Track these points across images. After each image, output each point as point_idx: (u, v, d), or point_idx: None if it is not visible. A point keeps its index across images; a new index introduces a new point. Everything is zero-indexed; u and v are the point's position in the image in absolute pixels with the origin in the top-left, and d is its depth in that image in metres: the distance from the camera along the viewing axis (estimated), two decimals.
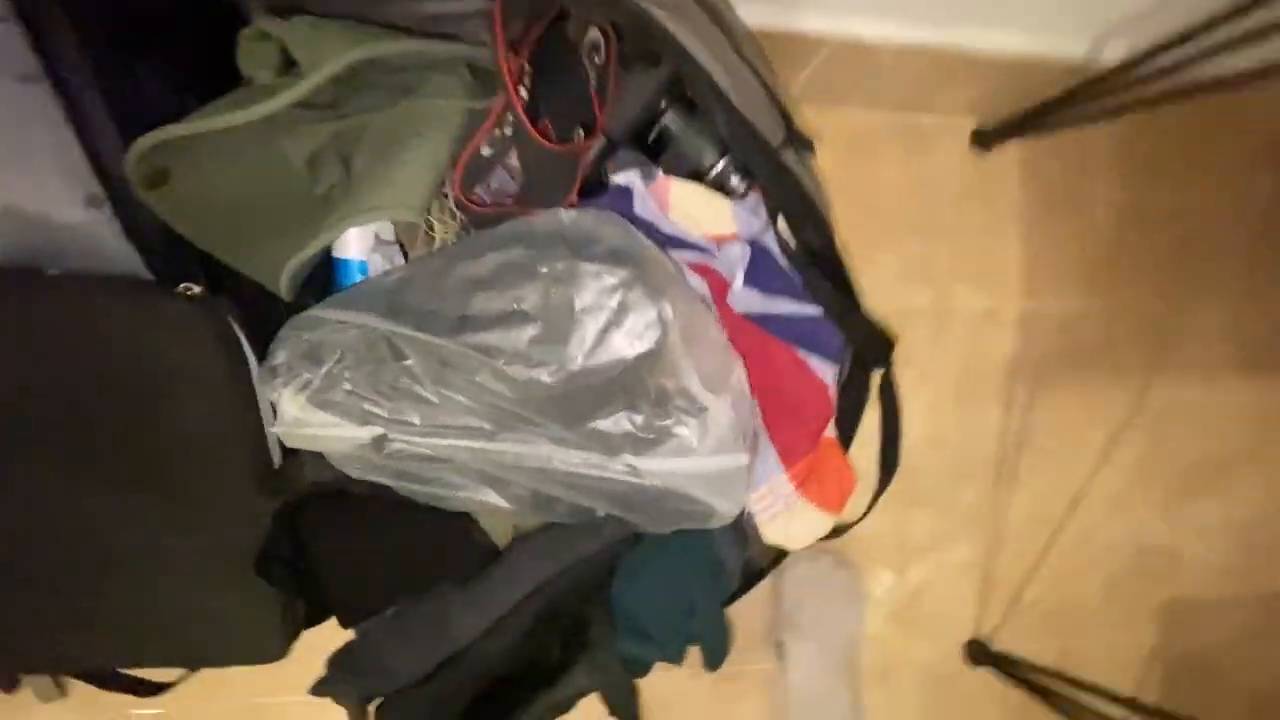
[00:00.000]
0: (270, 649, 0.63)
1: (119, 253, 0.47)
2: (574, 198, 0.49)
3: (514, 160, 0.48)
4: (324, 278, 0.52)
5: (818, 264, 0.47)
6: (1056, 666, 0.85)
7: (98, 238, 0.45)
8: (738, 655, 0.90)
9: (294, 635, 0.63)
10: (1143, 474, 0.98)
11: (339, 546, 0.55)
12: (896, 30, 0.75)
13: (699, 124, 0.53)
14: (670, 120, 0.53)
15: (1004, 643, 0.91)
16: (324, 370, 0.47)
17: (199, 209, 0.46)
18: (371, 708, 0.53)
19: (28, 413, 0.49)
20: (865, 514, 0.58)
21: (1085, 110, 0.81)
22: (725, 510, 0.48)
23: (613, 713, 0.55)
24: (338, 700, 0.52)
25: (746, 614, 0.65)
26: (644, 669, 0.55)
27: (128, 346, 0.47)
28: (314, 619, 0.66)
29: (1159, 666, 0.96)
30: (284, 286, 0.46)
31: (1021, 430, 0.94)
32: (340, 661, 0.54)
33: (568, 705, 0.56)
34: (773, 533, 0.53)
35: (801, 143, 0.46)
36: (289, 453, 0.54)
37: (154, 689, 0.68)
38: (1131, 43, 0.78)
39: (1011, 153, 0.95)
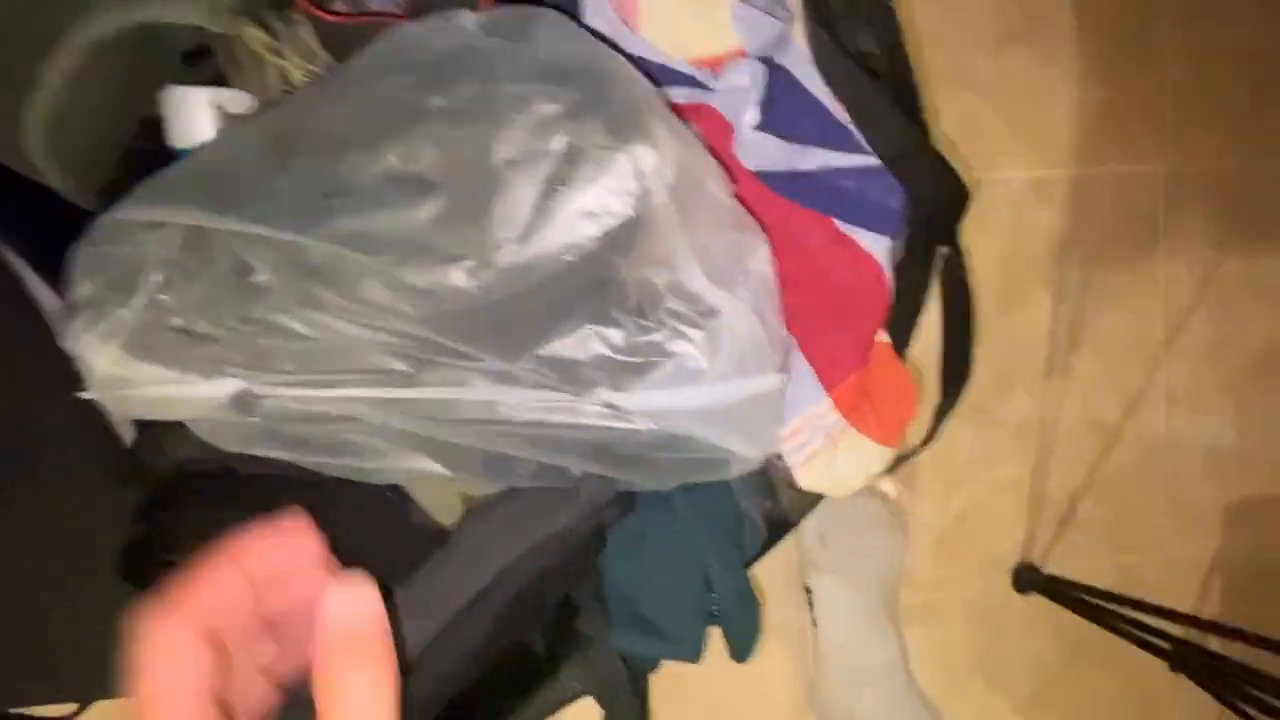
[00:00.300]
0: None
1: None
2: (489, 1, 0.32)
3: None
4: None
5: (873, 74, 0.31)
6: (1114, 586, 0.74)
7: None
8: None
9: None
10: (1210, 363, 0.85)
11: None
12: None
13: None
14: None
15: (1056, 565, 0.81)
16: (139, 301, 0.31)
17: None
18: None
19: None
20: (928, 440, 0.44)
21: None
22: (749, 454, 0.34)
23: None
24: None
25: (763, 559, 0.53)
26: (649, 667, 0.42)
27: None
28: None
29: (1221, 577, 0.87)
30: (38, 152, 0.29)
31: (1074, 322, 0.80)
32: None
33: (555, 710, 0.44)
34: (811, 476, 0.40)
35: None
36: (145, 426, 0.41)
37: None
38: None
39: None
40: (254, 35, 0.34)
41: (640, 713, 0.41)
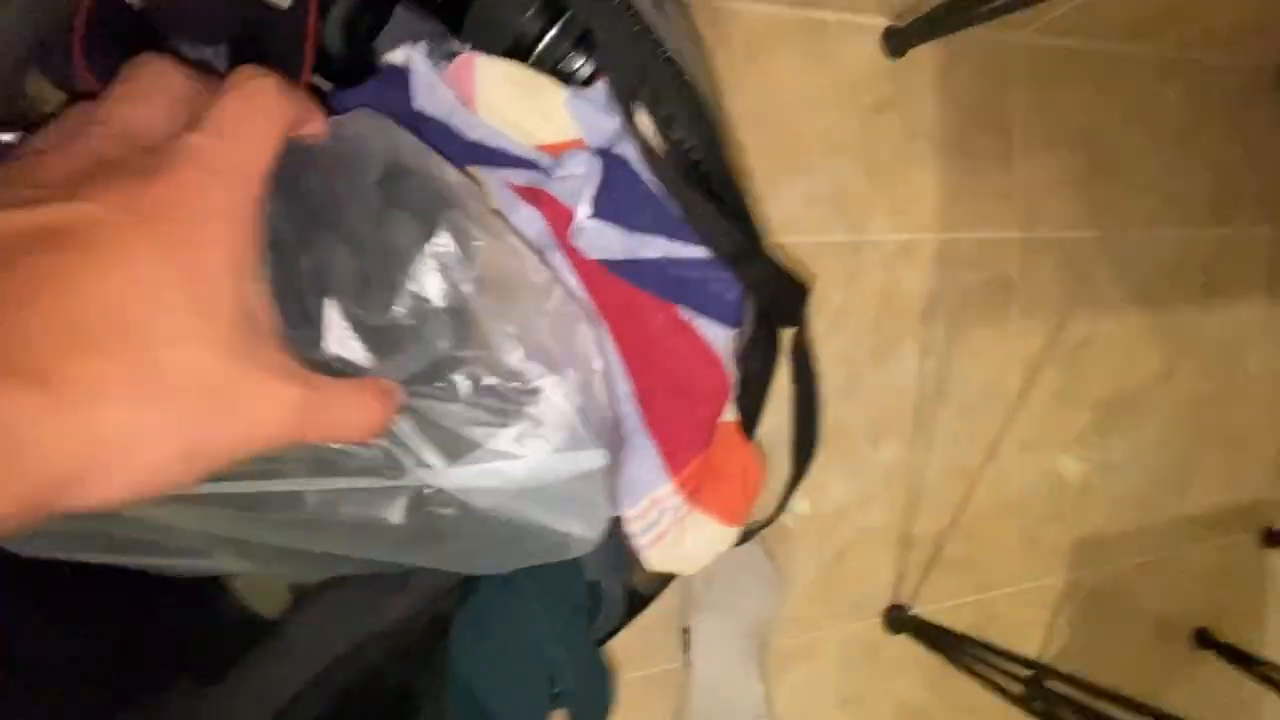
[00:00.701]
0: None
1: None
2: (308, 80, 0.30)
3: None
4: None
5: (699, 181, 0.31)
6: (975, 623, 0.79)
7: None
8: (637, 658, 0.79)
9: None
10: (1057, 412, 0.93)
11: (11, 653, 0.36)
12: None
13: None
14: None
15: (924, 603, 0.85)
16: None
17: None
18: None
19: None
20: (778, 512, 0.45)
21: (1003, 3, 0.69)
22: (584, 534, 0.33)
23: None
24: None
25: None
26: None
27: None
28: None
29: (1069, 606, 0.94)
30: None
31: (940, 375, 0.86)
32: None
33: None
34: (660, 557, 0.40)
35: None
36: None
37: None
38: None
39: (925, 58, 0.82)
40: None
41: None
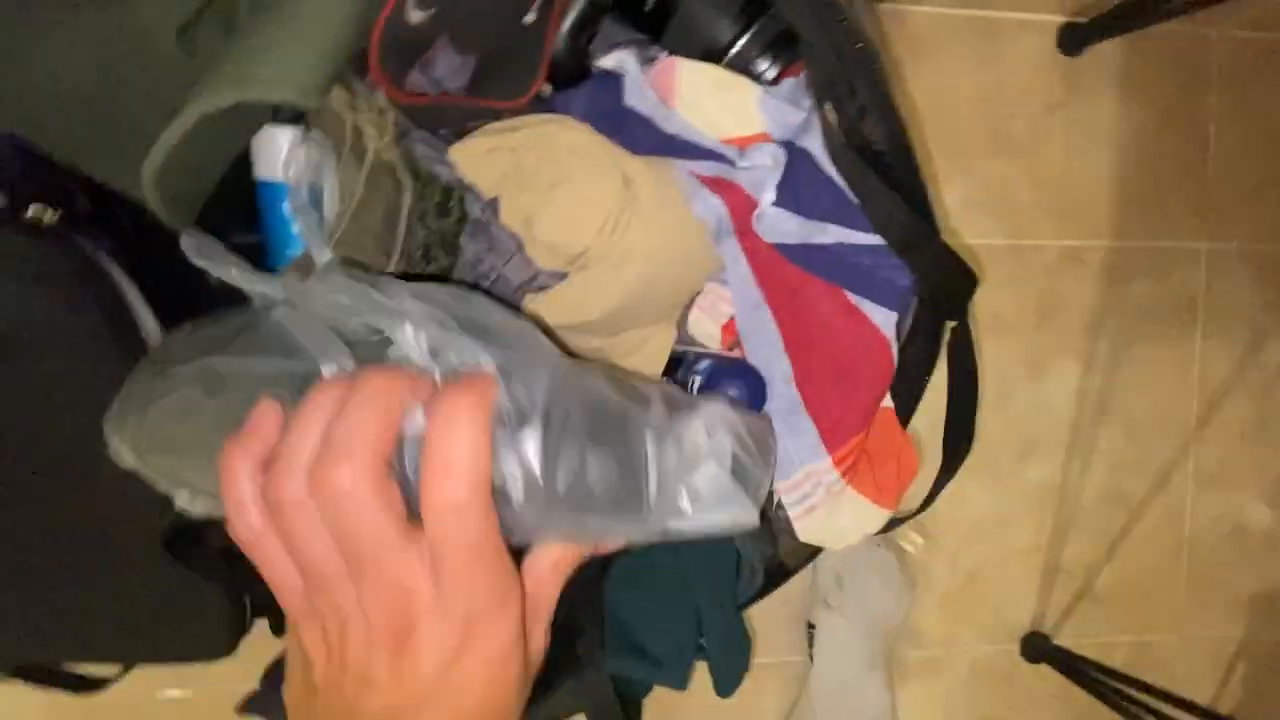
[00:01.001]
0: (216, 644, 0.55)
1: None
2: (541, 84, 0.36)
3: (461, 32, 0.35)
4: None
5: (882, 169, 0.33)
6: (1129, 664, 0.73)
7: None
8: (759, 645, 0.80)
9: (239, 631, 0.54)
10: (1245, 446, 0.83)
11: None
12: None
13: None
14: None
15: (1069, 637, 0.80)
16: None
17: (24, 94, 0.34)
18: None
19: None
20: (926, 504, 0.46)
21: None
22: (745, 520, 0.34)
23: None
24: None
25: (774, 595, 0.55)
26: (641, 692, 0.44)
27: None
28: (267, 608, 0.57)
29: (1245, 666, 0.84)
30: (150, 197, 0.34)
31: (1103, 393, 0.80)
32: (276, 675, 0.44)
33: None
34: (810, 529, 0.42)
35: None
36: None
37: (91, 684, 0.60)
38: None
39: (1106, 55, 0.77)
40: (336, 94, 0.38)
41: None
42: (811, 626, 0.73)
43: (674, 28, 0.40)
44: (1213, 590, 0.84)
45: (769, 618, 0.76)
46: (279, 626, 0.44)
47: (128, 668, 0.58)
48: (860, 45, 0.31)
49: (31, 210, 0.36)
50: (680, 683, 0.42)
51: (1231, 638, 0.85)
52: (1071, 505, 0.81)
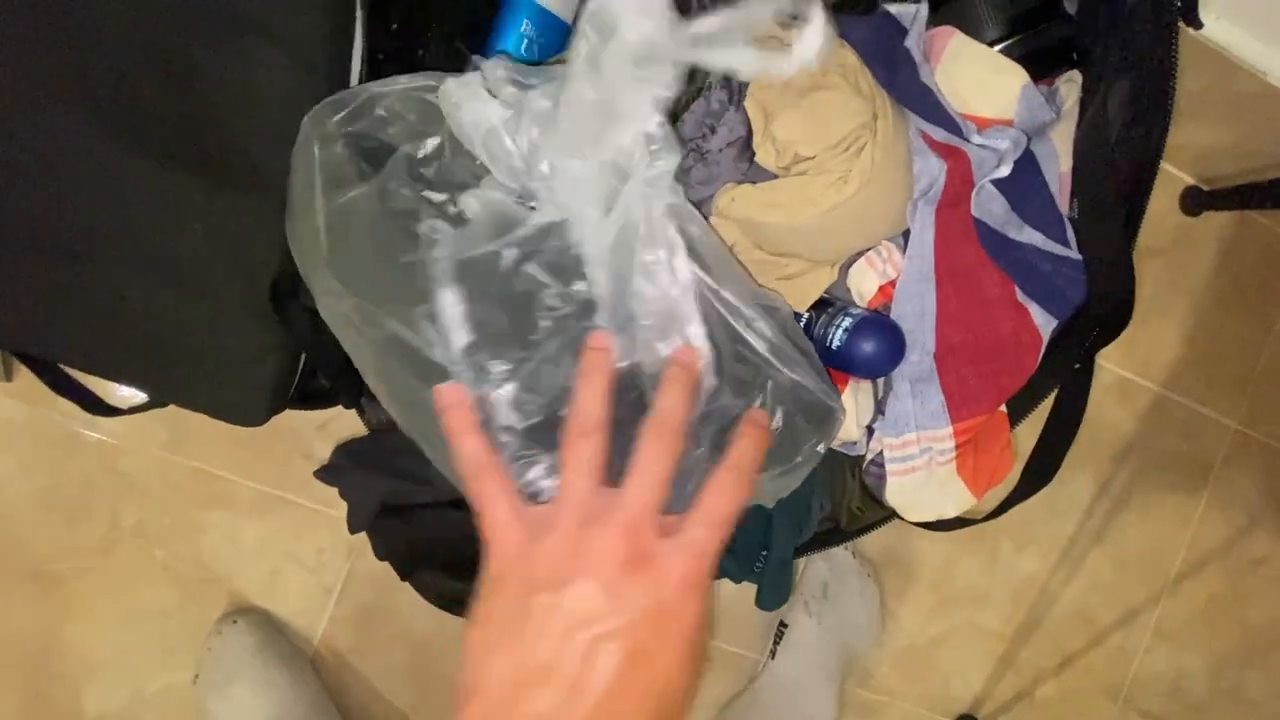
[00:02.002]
0: (253, 408, 0.54)
1: None
2: None
3: None
4: None
5: (1117, 184, 0.37)
6: None
7: None
8: (726, 630, 0.81)
9: (279, 405, 0.54)
10: (1208, 616, 0.89)
11: None
12: None
13: None
14: None
15: None
16: None
17: None
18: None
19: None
20: (995, 514, 0.48)
21: None
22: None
23: None
24: (343, 494, 0.42)
25: (746, 591, 0.56)
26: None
27: None
28: (313, 398, 0.56)
29: None
30: None
31: (1106, 518, 0.84)
32: (353, 450, 0.44)
33: None
34: (899, 490, 0.44)
35: (1193, 18, 0.35)
36: None
37: (104, 408, 0.58)
38: None
39: (1217, 224, 0.84)
40: None
41: None
42: (783, 626, 0.74)
43: (951, 9, 0.43)
44: None
45: (738, 608, 0.77)
46: (351, 401, 0.43)
47: (153, 402, 0.56)
48: (1172, 81, 0.34)
49: None
50: (739, 578, 0.44)
51: None
52: (1044, 609, 0.84)
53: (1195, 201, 0.82)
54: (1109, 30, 0.36)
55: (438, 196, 0.35)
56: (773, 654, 0.74)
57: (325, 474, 0.43)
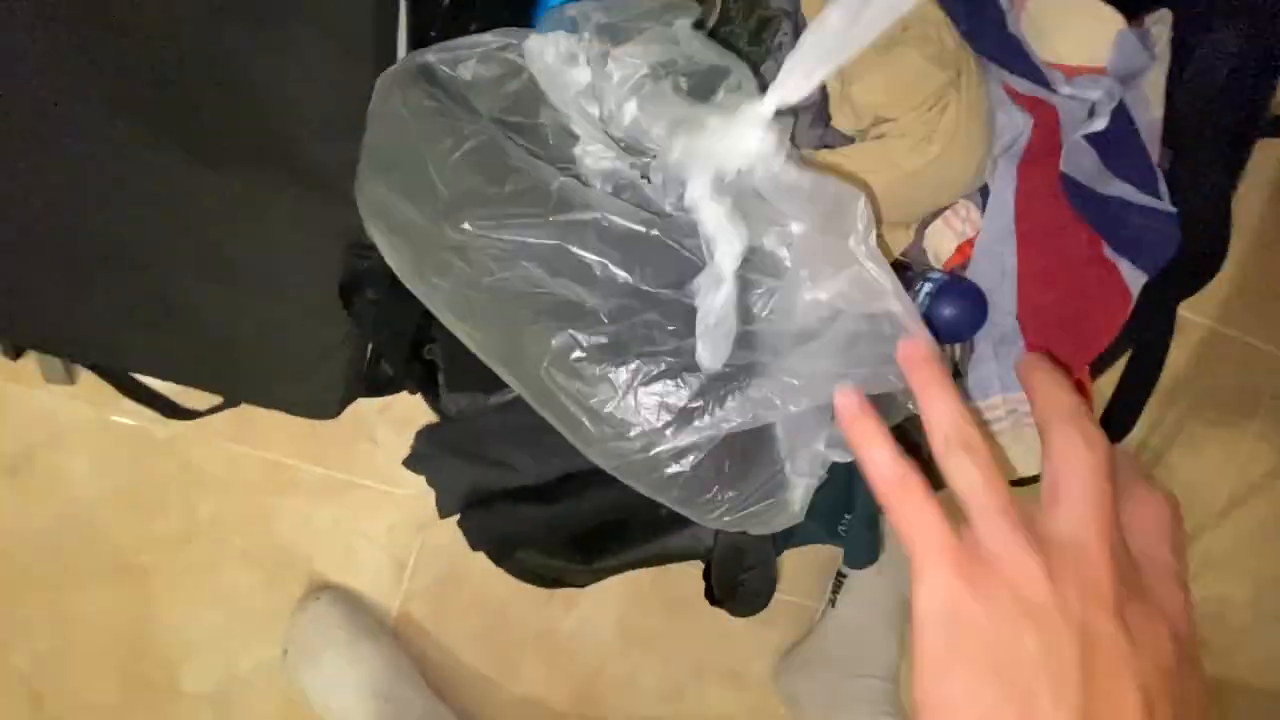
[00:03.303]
0: (325, 402, 0.54)
1: None
2: None
3: None
4: None
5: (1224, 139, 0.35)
6: None
7: None
8: (783, 581, 0.84)
9: (352, 396, 0.54)
10: (1253, 544, 0.90)
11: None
12: None
13: None
14: None
15: None
16: None
17: None
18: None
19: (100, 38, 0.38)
20: None
21: None
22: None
23: (715, 582, 0.46)
24: (431, 480, 0.43)
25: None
26: (788, 539, 0.46)
27: None
28: (380, 386, 0.57)
29: None
30: None
31: (1158, 455, 0.85)
32: (436, 438, 0.45)
33: (666, 559, 0.48)
34: None
35: None
36: None
37: (176, 411, 0.59)
38: None
39: (1270, 157, 0.81)
40: None
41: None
42: (841, 575, 0.76)
43: None
44: None
45: (795, 559, 0.79)
46: (458, 384, 0.44)
47: (227, 403, 0.57)
48: None
49: None
50: (822, 539, 0.45)
51: None
52: None
53: (1274, 121, 0.79)
54: None
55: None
56: (832, 602, 0.76)
57: (414, 461, 0.44)
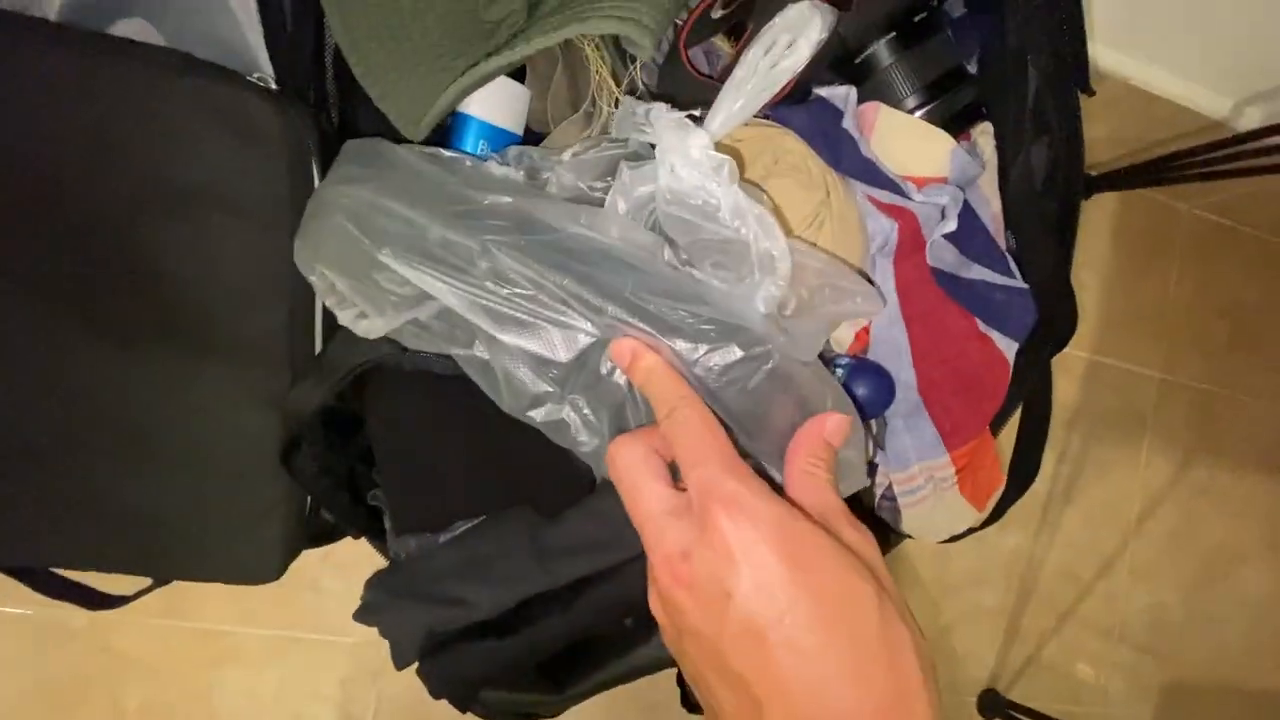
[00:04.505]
0: (265, 566, 0.53)
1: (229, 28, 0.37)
2: (789, 87, 0.42)
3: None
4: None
5: (1048, 221, 0.42)
6: None
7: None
8: None
9: (294, 553, 0.53)
10: (1170, 550, 0.97)
11: (410, 434, 0.45)
12: None
13: (911, 60, 0.47)
14: (883, 47, 0.48)
15: (1017, 697, 0.88)
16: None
17: None
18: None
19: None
20: (991, 520, 0.53)
21: (1195, 171, 0.81)
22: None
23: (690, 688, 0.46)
24: (383, 631, 0.42)
25: None
26: None
27: (163, 139, 0.37)
28: (321, 536, 0.55)
29: None
30: (426, 122, 0.37)
31: (1070, 482, 0.92)
32: (386, 585, 0.44)
33: (636, 676, 0.48)
34: (914, 519, 0.47)
35: (1086, 85, 0.41)
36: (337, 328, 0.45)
37: (99, 600, 0.55)
38: (1268, 114, 0.78)
39: (1108, 203, 0.94)
40: (596, 55, 0.44)
41: None
42: None
43: (870, 85, 0.48)
44: (1131, 674, 0.96)
45: None
46: (405, 525, 0.44)
47: (157, 584, 0.54)
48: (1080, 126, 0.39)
49: (254, 75, 0.37)
50: None
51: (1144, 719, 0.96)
52: (1033, 577, 0.91)
53: (1087, 185, 0.92)
54: (1016, 90, 0.42)
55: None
56: None
57: (364, 614, 0.43)
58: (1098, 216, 0.92)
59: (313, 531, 0.54)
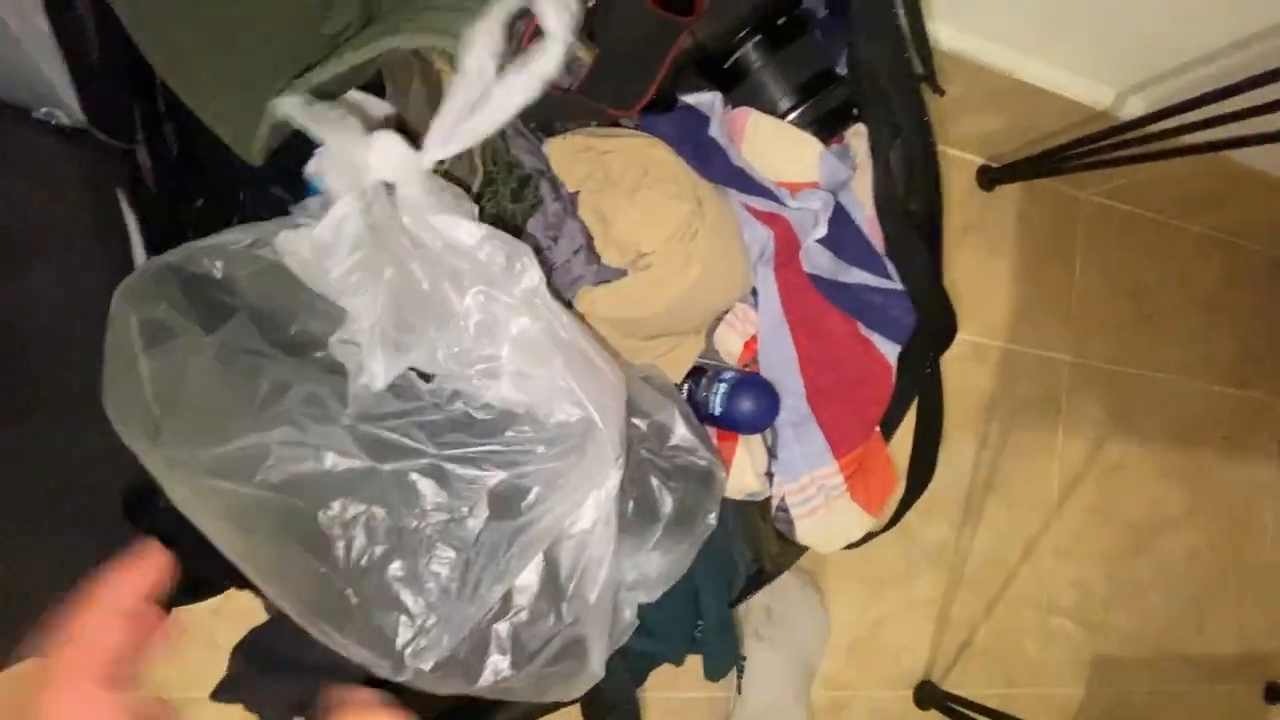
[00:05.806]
0: None
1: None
2: (650, 95, 0.41)
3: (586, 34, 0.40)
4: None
5: (916, 227, 0.42)
6: (999, 712, 0.82)
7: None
8: (687, 680, 0.82)
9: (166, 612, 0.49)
10: (1089, 527, 1.00)
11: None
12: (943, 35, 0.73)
13: (781, 62, 0.47)
14: (752, 51, 0.47)
15: (954, 686, 0.89)
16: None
17: (169, 8, 0.34)
18: None
19: None
20: (891, 523, 0.52)
21: (1086, 161, 0.83)
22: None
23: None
24: (249, 707, 0.39)
25: None
26: (646, 667, 0.46)
27: None
28: (203, 590, 0.52)
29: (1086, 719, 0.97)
30: (259, 142, 0.35)
31: (991, 469, 0.94)
32: (249, 654, 0.41)
33: (550, 710, 0.46)
34: (809, 530, 0.47)
35: (935, 86, 0.41)
36: None
37: None
38: (1150, 102, 0.80)
39: (1010, 194, 0.96)
40: (446, 66, 0.41)
41: (632, 709, 0.44)
42: (741, 659, 0.77)
43: (743, 89, 0.47)
44: (1061, 652, 0.98)
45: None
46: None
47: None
48: (931, 129, 0.39)
49: (42, 110, 0.34)
50: (680, 657, 0.45)
51: (1074, 696, 0.99)
52: (960, 565, 0.92)
53: (989, 179, 0.94)
54: (874, 98, 0.41)
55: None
56: (739, 689, 0.76)
57: (224, 692, 0.40)
58: (1003, 207, 0.95)
59: (193, 585, 0.51)
